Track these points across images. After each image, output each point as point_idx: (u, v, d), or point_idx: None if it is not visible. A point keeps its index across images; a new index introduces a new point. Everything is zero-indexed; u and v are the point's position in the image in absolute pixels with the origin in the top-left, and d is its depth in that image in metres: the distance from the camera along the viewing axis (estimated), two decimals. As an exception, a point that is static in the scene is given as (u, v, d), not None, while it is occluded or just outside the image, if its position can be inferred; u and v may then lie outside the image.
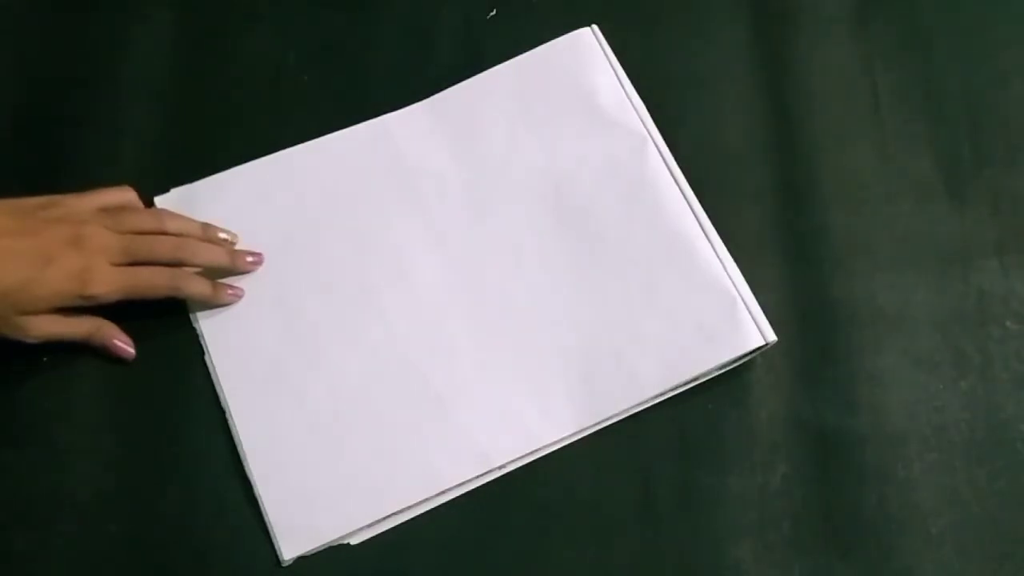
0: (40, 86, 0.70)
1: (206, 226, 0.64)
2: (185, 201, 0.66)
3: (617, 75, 0.70)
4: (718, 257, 0.65)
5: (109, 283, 0.60)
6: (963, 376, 0.64)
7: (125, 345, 0.62)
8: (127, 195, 0.64)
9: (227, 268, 0.64)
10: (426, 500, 0.60)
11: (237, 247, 0.65)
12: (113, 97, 0.70)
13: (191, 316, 0.64)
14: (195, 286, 0.63)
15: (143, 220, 0.63)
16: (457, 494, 0.60)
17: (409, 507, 0.60)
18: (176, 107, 0.70)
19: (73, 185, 0.66)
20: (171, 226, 0.63)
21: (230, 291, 0.64)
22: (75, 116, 0.69)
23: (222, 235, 0.65)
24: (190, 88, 0.71)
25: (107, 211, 0.62)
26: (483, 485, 0.61)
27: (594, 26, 0.72)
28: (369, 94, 0.70)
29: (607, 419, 0.62)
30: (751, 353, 0.63)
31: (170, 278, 0.62)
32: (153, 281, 0.61)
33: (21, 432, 0.61)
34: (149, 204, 0.66)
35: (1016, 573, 0.59)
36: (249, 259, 0.64)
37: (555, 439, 0.61)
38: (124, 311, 0.63)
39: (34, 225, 0.59)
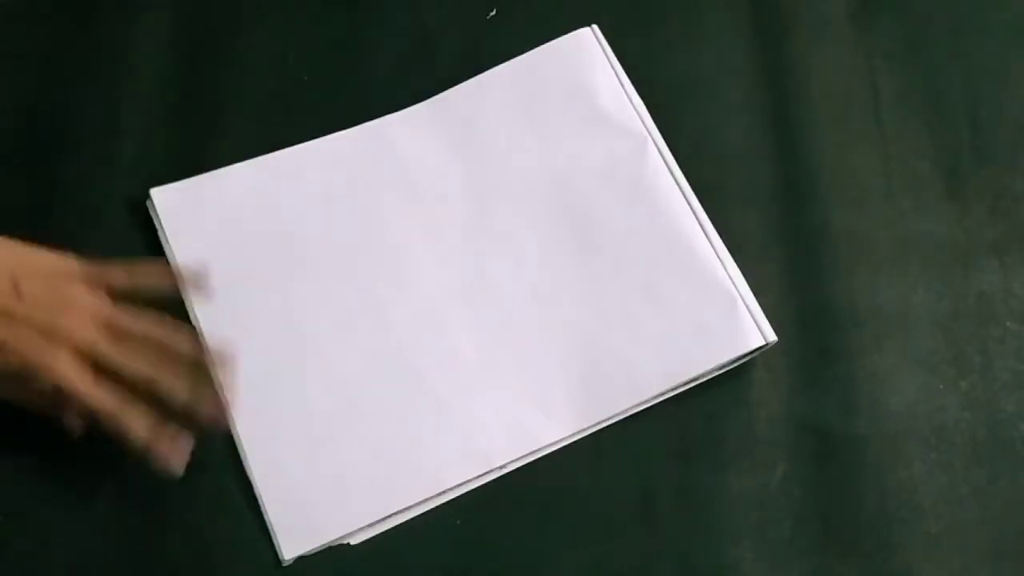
0: (40, 86, 0.70)
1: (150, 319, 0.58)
2: (183, 197, 0.66)
3: (617, 75, 0.70)
4: (718, 257, 0.65)
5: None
6: (963, 376, 0.64)
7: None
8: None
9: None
10: (426, 500, 0.60)
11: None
12: (113, 97, 0.70)
13: (191, 315, 0.64)
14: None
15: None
16: (457, 494, 0.60)
17: (409, 507, 0.60)
18: (176, 107, 0.70)
19: (73, 184, 0.66)
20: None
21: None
22: (75, 115, 0.69)
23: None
24: (190, 88, 0.71)
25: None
26: (483, 485, 0.61)
27: (594, 26, 0.72)
28: (369, 94, 0.70)
29: (607, 419, 0.62)
30: (751, 353, 0.63)
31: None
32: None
33: (21, 432, 0.61)
34: (149, 201, 0.66)
35: (1016, 573, 0.59)
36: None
37: (555, 439, 0.61)
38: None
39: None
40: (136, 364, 0.56)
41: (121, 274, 0.59)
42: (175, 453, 0.57)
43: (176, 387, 0.57)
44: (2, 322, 0.55)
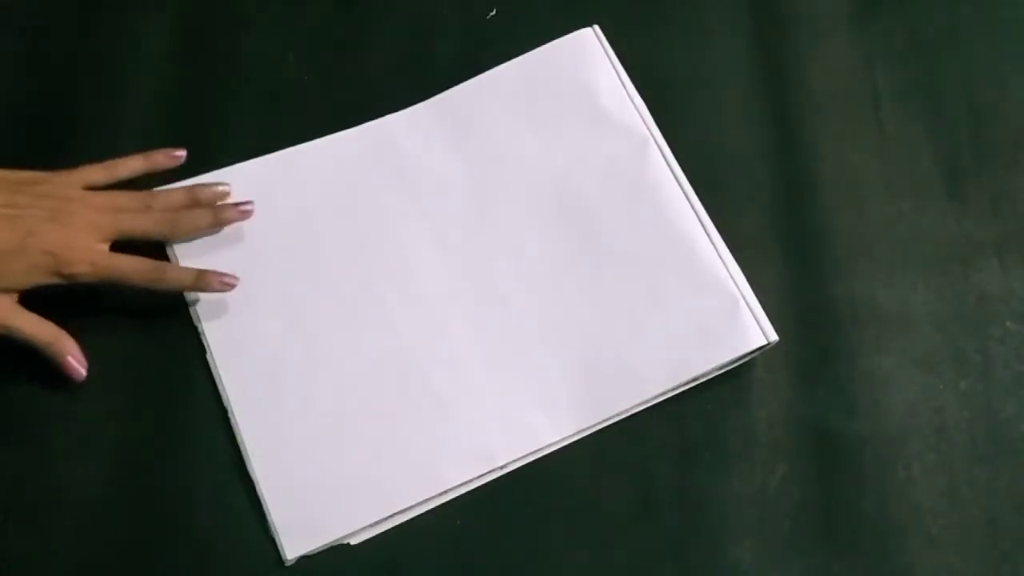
0: (41, 85, 0.70)
1: (192, 189, 0.65)
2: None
3: (619, 75, 0.70)
4: (720, 257, 0.65)
5: (88, 263, 0.59)
6: (963, 376, 0.64)
7: (78, 365, 0.60)
8: (113, 172, 0.64)
9: (215, 227, 0.64)
10: (427, 500, 0.60)
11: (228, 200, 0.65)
12: (113, 96, 0.70)
13: (192, 314, 0.64)
14: (174, 277, 0.62)
15: (128, 200, 0.63)
16: (458, 494, 0.60)
17: (410, 507, 0.60)
18: (176, 107, 0.70)
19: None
20: (156, 203, 0.63)
21: (220, 279, 0.62)
22: (75, 115, 0.69)
23: (211, 190, 0.65)
24: (190, 88, 0.71)
25: (94, 190, 0.62)
26: (483, 485, 0.61)
27: (595, 26, 0.72)
28: (369, 94, 0.70)
29: (608, 419, 0.62)
30: (752, 353, 0.63)
31: (149, 270, 0.61)
32: (133, 270, 0.61)
33: (21, 432, 0.61)
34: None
35: (1016, 573, 0.59)
36: (240, 209, 0.64)
37: (556, 439, 0.61)
38: (124, 309, 0.63)
39: (18, 198, 0.59)
40: (152, 224, 0.62)
41: (100, 171, 0.63)
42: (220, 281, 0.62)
43: (196, 217, 0.63)
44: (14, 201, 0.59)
